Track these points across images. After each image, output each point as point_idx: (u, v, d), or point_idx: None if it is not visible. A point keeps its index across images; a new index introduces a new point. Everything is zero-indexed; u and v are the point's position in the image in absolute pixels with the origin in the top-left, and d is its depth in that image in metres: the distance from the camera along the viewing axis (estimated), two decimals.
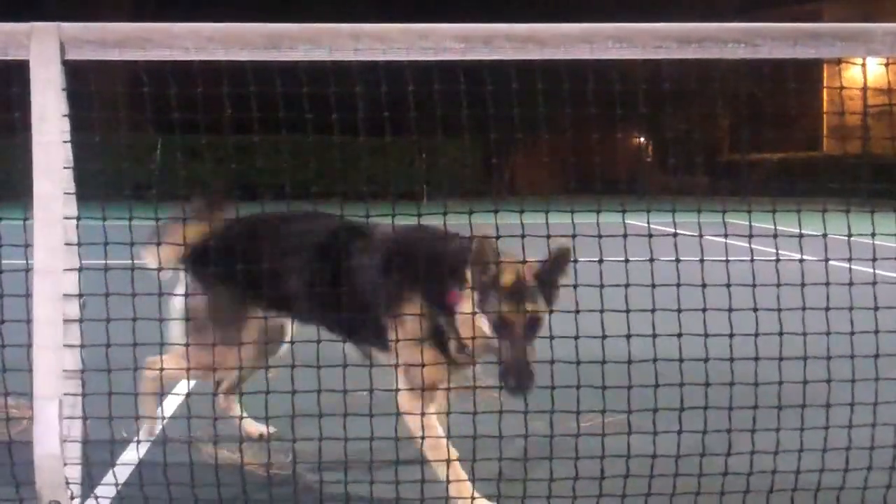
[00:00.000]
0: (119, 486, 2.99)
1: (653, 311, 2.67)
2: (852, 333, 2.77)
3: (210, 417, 3.25)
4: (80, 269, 2.69)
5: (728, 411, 2.70)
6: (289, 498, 2.83)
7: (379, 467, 2.77)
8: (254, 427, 3.68)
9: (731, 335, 2.69)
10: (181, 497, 2.72)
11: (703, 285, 2.69)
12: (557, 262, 2.87)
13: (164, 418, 3.12)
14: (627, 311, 2.68)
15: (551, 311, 2.86)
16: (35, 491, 2.65)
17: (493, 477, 2.74)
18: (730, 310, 2.66)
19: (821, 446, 2.75)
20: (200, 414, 3.01)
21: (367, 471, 2.72)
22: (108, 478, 3.04)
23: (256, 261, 3.06)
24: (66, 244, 2.66)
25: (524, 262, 2.81)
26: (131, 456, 3.25)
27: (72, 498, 2.67)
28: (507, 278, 2.81)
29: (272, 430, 3.41)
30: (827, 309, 2.79)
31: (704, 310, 2.68)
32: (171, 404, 3.77)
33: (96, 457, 2.80)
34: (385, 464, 2.82)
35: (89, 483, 2.82)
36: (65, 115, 2.66)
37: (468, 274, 2.85)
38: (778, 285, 2.69)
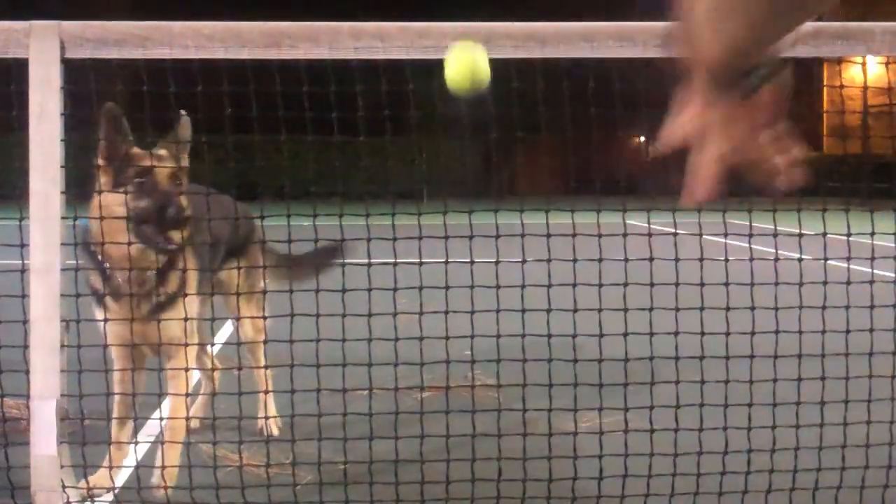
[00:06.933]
0: (116, 490, 2.98)
1: (651, 309, 2.67)
2: (847, 332, 2.76)
3: (209, 418, 3.25)
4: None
5: (724, 409, 2.70)
6: (289, 498, 2.82)
7: (379, 468, 2.76)
8: None
9: (728, 333, 2.68)
10: (179, 499, 2.71)
11: (702, 284, 2.69)
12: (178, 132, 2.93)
13: (162, 419, 3.10)
14: (626, 311, 2.68)
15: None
16: (30, 494, 2.63)
17: (493, 477, 2.73)
18: (727, 308, 2.66)
19: (818, 445, 2.75)
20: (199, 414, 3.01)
21: (367, 472, 2.72)
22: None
23: None
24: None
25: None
26: (128, 458, 3.24)
27: (67, 501, 2.65)
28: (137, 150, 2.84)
29: None
30: (824, 308, 2.78)
31: (702, 308, 2.68)
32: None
33: (93, 458, 2.79)
34: (385, 464, 2.81)
35: (86, 485, 2.81)
36: (62, 114, 2.65)
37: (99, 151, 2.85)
38: (776, 284, 2.68)
